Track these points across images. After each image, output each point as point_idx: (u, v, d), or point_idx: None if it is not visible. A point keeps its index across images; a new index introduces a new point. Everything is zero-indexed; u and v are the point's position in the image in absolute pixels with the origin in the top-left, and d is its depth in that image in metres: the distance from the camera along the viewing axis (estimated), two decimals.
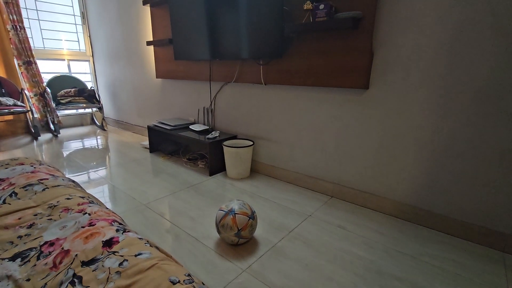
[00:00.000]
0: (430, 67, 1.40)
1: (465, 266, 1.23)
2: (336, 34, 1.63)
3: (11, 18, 3.24)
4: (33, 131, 3.32)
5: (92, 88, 3.80)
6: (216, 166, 2.29)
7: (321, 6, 1.57)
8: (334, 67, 1.67)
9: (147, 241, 0.79)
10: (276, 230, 1.50)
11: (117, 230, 0.80)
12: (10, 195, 1.01)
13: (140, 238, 0.78)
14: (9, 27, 3.25)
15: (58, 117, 3.68)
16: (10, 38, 3.28)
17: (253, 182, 2.14)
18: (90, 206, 0.94)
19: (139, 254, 0.70)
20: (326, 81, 1.73)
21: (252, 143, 2.22)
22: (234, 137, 2.39)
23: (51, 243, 0.75)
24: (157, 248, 0.82)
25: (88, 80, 4.22)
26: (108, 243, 0.73)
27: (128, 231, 0.81)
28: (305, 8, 1.66)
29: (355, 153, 1.75)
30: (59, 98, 3.55)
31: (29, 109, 3.21)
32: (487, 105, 1.28)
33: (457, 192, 1.42)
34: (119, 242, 0.74)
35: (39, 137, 3.36)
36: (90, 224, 0.82)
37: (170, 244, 1.38)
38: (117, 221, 0.88)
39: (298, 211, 1.70)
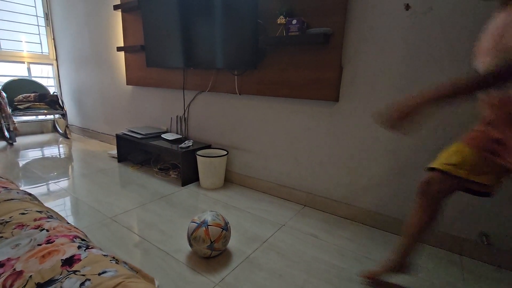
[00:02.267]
0: (393, 82, 1.50)
1: (428, 270, 1.31)
2: (308, 48, 1.70)
3: None
4: None
5: (55, 93, 3.57)
6: (189, 176, 2.24)
7: (294, 21, 1.64)
8: (306, 79, 1.74)
9: (113, 257, 0.74)
10: (249, 241, 1.48)
11: (79, 247, 0.74)
12: None
13: (105, 255, 0.73)
14: None
15: (15, 123, 3.38)
16: None
17: (226, 192, 2.11)
18: (48, 222, 0.86)
19: (103, 272, 0.65)
20: (298, 93, 1.79)
21: (226, 152, 2.21)
22: (208, 146, 2.36)
23: (1, 264, 0.67)
24: (125, 263, 0.77)
25: (51, 85, 3.96)
26: (69, 262, 0.67)
27: (91, 248, 0.76)
28: (278, 22, 1.72)
29: (326, 163, 1.81)
30: (16, 103, 3.27)
31: None
32: (447, 118, 1.39)
33: None
34: (81, 260, 0.69)
35: None
36: (48, 242, 0.75)
37: (138, 259, 1.30)
38: (80, 237, 0.81)
39: (272, 221, 1.70)
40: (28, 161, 2.73)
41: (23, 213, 0.90)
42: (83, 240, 0.81)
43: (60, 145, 3.36)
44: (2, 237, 0.79)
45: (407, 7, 1.41)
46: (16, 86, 3.42)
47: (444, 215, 1.46)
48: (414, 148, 1.49)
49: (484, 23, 0.93)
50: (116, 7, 2.68)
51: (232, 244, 1.44)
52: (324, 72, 1.67)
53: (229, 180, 2.32)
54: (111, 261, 0.71)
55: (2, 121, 3.29)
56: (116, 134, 2.64)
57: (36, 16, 3.78)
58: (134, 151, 2.76)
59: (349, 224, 1.71)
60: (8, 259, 0.69)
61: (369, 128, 1.61)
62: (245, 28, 1.85)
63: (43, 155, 2.96)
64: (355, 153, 1.69)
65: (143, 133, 2.50)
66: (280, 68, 1.84)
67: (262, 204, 1.93)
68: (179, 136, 2.46)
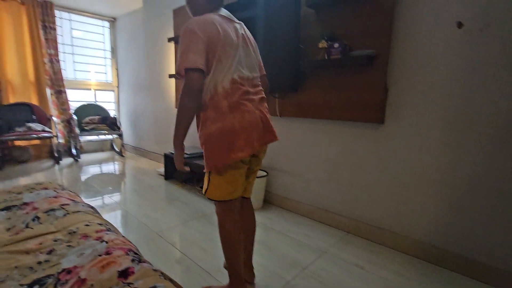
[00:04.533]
0: (446, 103, 1.40)
1: None
2: (351, 71, 1.68)
3: (49, 52, 3.57)
4: (56, 155, 3.47)
5: (114, 116, 4.01)
6: None
7: (336, 45, 1.66)
8: (349, 101, 1.71)
9: (162, 273, 0.78)
10: (289, 266, 1.44)
11: (133, 260, 0.80)
12: (33, 219, 1.04)
13: (154, 270, 0.78)
14: (46, 60, 3.56)
15: (81, 142, 3.86)
16: (46, 70, 3.58)
17: (265, 214, 2.10)
18: (107, 234, 0.95)
19: (154, 287, 0.69)
20: (340, 115, 1.76)
21: (266, 173, 2.22)
22: None
23: (69, 271, 0.76)
24: (170, 280, 0.80)
25: (111, 109, 4.47)
26: (124, 274, 0.73)
27: (143, 262, 0.81)
28: (320, 46, 1.75)
29: (371, 188, 1.71)
30: (83, 124, 3.75)
31: (55, 134, 3.40)
32: (509, 143, 1.25)
33: (484, 234, 1.34)
34: (134, 273, 0.74)
35: (61, 161, 3.50)
36: (107, 253, 0.82)
37: (179, 275, 1.34)
38: (133, 251, 0.88)
39: (313, 247, 1.64)
40: (89, 176, 3.06)
41: (87, 225, 1.01)
42: (135, 253, 0.87)
43: (116, 162, 3.71)
44: (70, 245, 0.89)
45: (460, 25, 1.34)
46: (84, 110, 3.93)
47: None
48: (474, 176, 1.35)
49: None
50: (170, 39, 2.99)
51: (271, 268, 1.41)
52: (368, 93, 1.63)
53: (268, 202, 2.31)
54: (160, 277, 0.75)
55: (71, 141, 3.78)
56: (164, 153, 2.85)
57: (104, 50, 4.38)
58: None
59: (398, 255, 1.57)
60: (75, 267, 0.77)
61: (420, 152, 1.51)
62: (286, 53, 1.91)
63: (101, 171, 3.29)
64: (404, 179, 1.58)
65: (188, 152, 2.65)
66: (321, 91, 1.84)
67: (302, 228, 1.88)
68: None
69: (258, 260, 1.49)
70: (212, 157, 1.02)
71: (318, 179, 1.97)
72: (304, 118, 2.00)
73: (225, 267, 1.33)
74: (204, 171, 1.07)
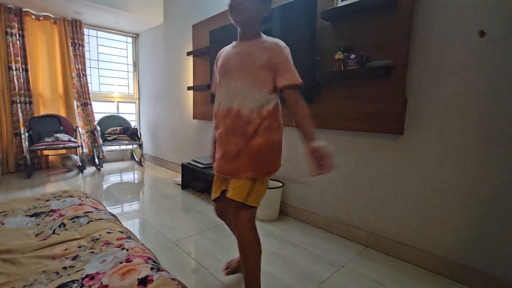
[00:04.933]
0: (469, 114, 1.36)
1: None
2: (368, 81, 1.67)
3: (77, 67, 3.80)
4: (80, 164, 3.63)
5: (135, 127, 4.16)
6: None
7: (352, 56, 1.66)
8: (366, 112, 1.69)
9: (179, 282, 0.80)
10: (305, 280, 1.41)
11: (152, 269, 0.82)
12: (59, 226, 1.10)
13: (172, 279, 0.79)
14: (74, 74, 3.79)
15: (103, 152, 4.02)
16: (73, 84, 3.81)
17: (281, 225, 2.08)
18: (128, 242, 0.98)
19: None
20: (358, 126, 1.74)
21: (281, 184, 2.21)
22: None
23: (92, 277, 0.79)
24: None
25: (132, 120, 4.64)
26: (143, 282, 0.75)
27: (162, 270, 0.83)
28: (336, 57, 1.76)
29: (391, 201, 1.66)
30: (106, 135, 3.92)
31: (80, 144, 3.57)
32: None
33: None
34: (153, 281, 0.76)
35: (84, 170, 3.66)
36: (128, 260, 0.85)
37: (195, 285, 1.35)
38: (152, 259, 0.90)
39: (330, 260, 1.60)
40: (109, 184, 3.17)
41: (109, 232, 1.04)
42: (154, 262, 0.89)
43: (135, 172, 3.83)
44: (93, 252, 0.92)
45: (482, 33, 1.31)
46: (107, 121, 4.12)
47: None
48: (501, 190, 1.28)
49: None
50: (189, 53, 3.11)
51: (287, 281, 1.39)
52: (386, 104, 1.60)
53: (284, 213, 2.29)
54: (178, 286, 0.76)
55: (95, 150, 3.95)
56: (182, 163, 2.91)
57: (127, 64, 4.60)
58: (196, 179, 2.98)
59: (420, 272, 1.50)
60: (97, 273, 0.80)
61: (442, 164, 1.46)
62: (303, 64, 1.93)
63: (121, 180, 3.40)
64: (425, 192, 1.52)
65: (204, 163, 2.70)
66: (337, 101, 1.84)
67: (318, 241, 1.84)
68: None
69: (273, 273, 1.47)
70: (267, 164, 1.08)
71: (335, 191, 1.94)
72: (320, 129, 2.00)
73: (228, 273, 1.39)
74: (244, 178, 1.06)
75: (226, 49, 1.16)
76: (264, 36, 1.10)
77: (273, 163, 1.09)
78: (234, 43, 1.14)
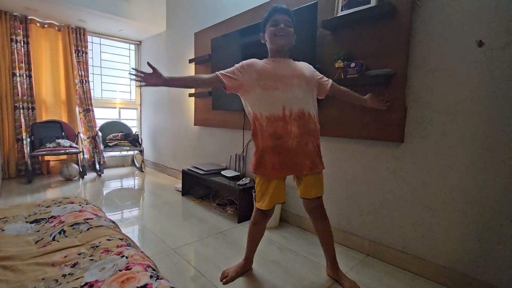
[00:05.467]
0: (470, 122, 1.36)
1: None
2: (368, 89, 1.68)
3: (80, 74, 3.84)
4: (81, 170, 3.64)
5: (136, 133, 4.18)
6: (245, 213, 2.28)
7: (352, 64, 1.67)
8: (367, 120, 1.70)
9: None
10: None
11: (151, 277, 0.82)
12: (59, 233, 1.09)
13: (172, 287, 0.79)
14: (77, 80, 3.83)
15: (104, 158, 4.03)
16: (76, 90, 3.84)
17: (282, 233, 2.07)
18: (127, 249, 0.98)
19: None
20: (358, 133, 1.74)
21: None
22: None
23: (91, 285, 0.78)
24: None
25: (133, 126, 4.67)
26: None
27: (161, 278, 0.82)
28: (336, 66, 1.77)
29: (392, 210, 1.65)
30: (107, 141, 3.93)
31: (81, 150, 3.58)
32: None
33: None
34: None
35: (85, 176, 3.66)
36: (127, 268, 0.85)
37: None
38: (151, 267, 0.90)
39: None
40: (110, 190, 3.17)
41: (109, 239, 1.04)
42: (154, 270, 0.89)
43: (136, 178, 3.83)
44: (92, 259, 0.92)
45: (480, 43, 1.33)
46: (108, 127, 4.14)
47: None
48: (504, 199, 1.28)
49: None
50: (191, 61, 3.14)
51: None
52: (386, 112, 1.61)
53: (284, 220, 2.28)
54: None
55: (96, 156, 3.96)
56: (182, 170, 2.91)
57: (129, 70, 4.65)
58: (197, 185, 2.97)
59: (421, 281, 1.48)
60: (96, 281, 0.80)
61: (443, 172, 1.45)
62: None
63: (122, 186, 3.40)
64: (427, 200, 1.51)
65: (205, 169, 2.70)
66: (338, 109, 1.85)
67: (319, 249, 1.81)
68: (238, 174, 2.58)
69: (273, 281, 1.46)
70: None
71: (336, 199, 1.93)
72: (321, 137, 2.00)
73: (226, 282, 1.43)
74: (318, 171, 1.39)
75: (257, 61, 1.33)
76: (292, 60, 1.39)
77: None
78: (266, 60, 1.35)
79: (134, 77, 1.19)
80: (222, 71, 1.32)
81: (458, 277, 1.40)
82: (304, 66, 1.37)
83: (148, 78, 1.19)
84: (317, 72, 1.41)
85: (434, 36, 1.46)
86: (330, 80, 1.41)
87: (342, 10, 1.76)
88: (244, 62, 1.33)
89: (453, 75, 1.40)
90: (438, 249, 1.48)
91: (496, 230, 1.30)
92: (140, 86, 1.21)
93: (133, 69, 1.22)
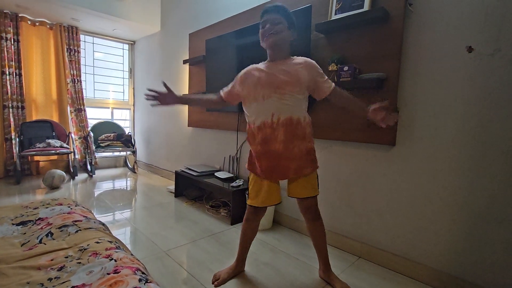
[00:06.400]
0: (459, 126, 1.38)
1: None
2: (361, 92, 1.70)
3: (72, 73, 3.79)
4: (72, 171, 3.58)
5: (129, 133, 4.13)
6: (238, 215, 2.27)
7: (345, 68, 1.69)
8: (359, 123, 1.71)
9: None
10: None
11: (140, 280, 0.80)
12: (47, 235, 1.07)
13: None
14: (68, 80, 3.77)
15: (96, 158, 3.98)
16: (68, 89, 3.78)
17: (275, 235, 2.06)
18: (116, 252, 0.96)
19: None
20: (351, 136, 1.76)
21: None
22: None
23: None
24: None
25: (126, 126, 4.61)
26: None
27: (150, 282, 0.81)
28: (330, 69, 1.78)
29: (384, 212, 1.67)
30: (99, 141, 3.87)
31: (72, 150, 3.52)
32: None
33: (504, 263, 1.27)
34: None
35: (76, 177, 3.60)
36: (115, 271, 0.83)
37: None
38: (141, 270, 0.88)
39: None
40: (101, 192, 3.12)
41: (97, 242, 1.02)
42: (143, 273, 0.87)
43: (128, 179, 3.78)
44: (80, 262, 0.90)
45: (470, 49, 1.35)
46: (100, 127, 4.08)
47: None
48: (493, 201, 1.30)
49: None
50: (185, 62, 3.13)
51: None
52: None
53: (277, 222, 2.27)
54: None
55: (87, 156, 3.90)
56: (175, 171, 2.89)
57: (123, 70, 4.60)
58: (190, 187, 2.95)
59: (412, 283, 1.49)
60: (83, 285, 0.78)
61: (434, 175, 1.47)
62: None
63: (113, 187, 3.35)
64: (418, 203, 1.53)
65: (198, 170, 2.68)
66: (331, 112, 1.86)
67: (312, 251, 1.82)
68: (231, 175, 2.57)
69: (266, 283, 1.45)
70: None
71: (328, 201, 1.94)
72: (315, 139, 2.00)
73: (218, 285, 1.42)
74: (306, 174, 1.36)
75: (254, 69, 1.32)
76: (295, 57, 1.30)
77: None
78: (263, 63, 1.33)
79: (151, 97, 1.23)
80: (224, 89, 1.40)
81: (448, 279, 1.42)
82: (303, 67, 1.26)
83: (164, 98, 1.27)
84: (319, 72, 1.28)
85: (425, 41, 1.48)
86: (333, 85, 1.28)
87: (336, 14, 1.77)
88: (241, 74, 1.37)
89: (444, 79, 1.43)
90: (429, 251, 1.49)
91: (485, 232, 1.32)
92: (156, 105, 1.26)
93: (148, 89, 1.24)
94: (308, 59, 1.29)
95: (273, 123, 1.24)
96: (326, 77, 1.30)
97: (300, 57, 1.31)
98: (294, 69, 1.25)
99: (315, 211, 1.44)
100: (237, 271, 1.50)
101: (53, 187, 3.02)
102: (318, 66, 1.30)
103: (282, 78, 1.23)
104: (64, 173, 3.14)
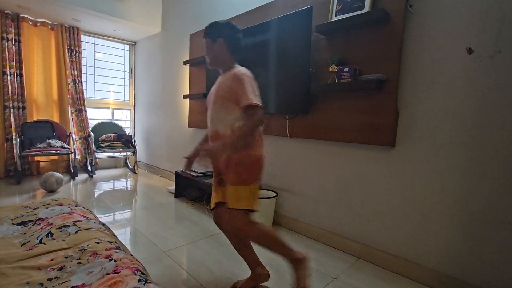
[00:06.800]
0: (459, 127, 1.39)
1: None
2: (361, 94, 1.70)
3: (72, 73, 3.79)
4: (72, 171, 3.58)
5: (129, 134, 4.14)
6: None
7: (346, 69, 1.69)
8: (359, 124, 1.71)
9: None
10: None
11: (139, 280, 0.80)
12: (47, 235, 1.07)
13: None
14: (69, 80, 3.78)
15: (96, 159, 3.98)
16: (68, 90, 3.79)
17: None
18: (116, 252, 0.96)
19: None
20: (351, 137, 1.76)
21: (275, 194, 2.21)
22: None
23: None
24: None
25: (127, 127, 4.62)
26: None
27: (149, 282, 0.81)
28: (330, 70, 1.79)
29: (383, 213, 1.67)
30: (100, 142, 3.88)
31: (72, 151, 3.53)
32: None
33: (502, 264, 1.27)
34: None
35: (76, 177, 3.60)
36: (115, 272, 0.83)
37: None
38: (140, 270, 0.88)
39: (322, 272, 1.59)
40: (101, 192, 3.12)
41: (97, 242, 1.02)
42: (142, 273, 0.87)
43: (128, 179, 3.78)
44: (80, 262, 0.90)
45: (470, 51, 1.35)
46: (101, 128, 4.08)
47: None
48: (492, 202, 1.30)
49: None
50: (186, 62, 3.13)
51: None
52: (379, 117, 1.63)
53: (277, 223, 2.27)
54: None
55: (87, 157, 3.90)
56: (176, 171, 2.89)
57: (123, 71, 4.61)
58: (190, 187, 2.95)
59: (411, 284, 1.49)
60: (83, 285, 0.78)
61: (433, 176, 1.47)
62: (297, 76, 1.96)
63: (114, 187, 3.35)
64: (417, 203, 1.53)
65: (198, 171, 2.69)
66: (331, 113, 1.86)
67: (312, 252, 1.82)
68: None
69: (265, 283, 1.45)
70: (249, 174, 1.21)
71: (328, 202, 1.94)
72: (314, 140, 2.01)
73: None
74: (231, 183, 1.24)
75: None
76: (235, 68, 1.26)
77: (255, 174, 1.22)
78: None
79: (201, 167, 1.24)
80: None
81: (448, 280, 1.42)
82: (225, 81, 1.21)
83: (206, 160, 1.12)
84: (240, 87, 1.15)
85: (425, 42, 1.48)
86: (248, 103, 1.12)
87: (336, 15, 1.78)
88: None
89: (443, 81, 1.43)
90: (427, 252, 1.49)
91: (485, 233, 1.32)
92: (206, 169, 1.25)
93: (184, 157, 1.32)
94: (238, 72, 1.19)
95: (209, 136, 1.33)
96: (251, 93, 1.14)
97: (239, 68, 1.25)
98: (219, 82, 1.27)
99: (229, 221, 1.31)
100: (259, 280, 1.41)
101: (48, 191, 2.91)
102: (249, 80, 1.18)
103: (213, 90, 1.30)
104: (60, 175, 2.99)
